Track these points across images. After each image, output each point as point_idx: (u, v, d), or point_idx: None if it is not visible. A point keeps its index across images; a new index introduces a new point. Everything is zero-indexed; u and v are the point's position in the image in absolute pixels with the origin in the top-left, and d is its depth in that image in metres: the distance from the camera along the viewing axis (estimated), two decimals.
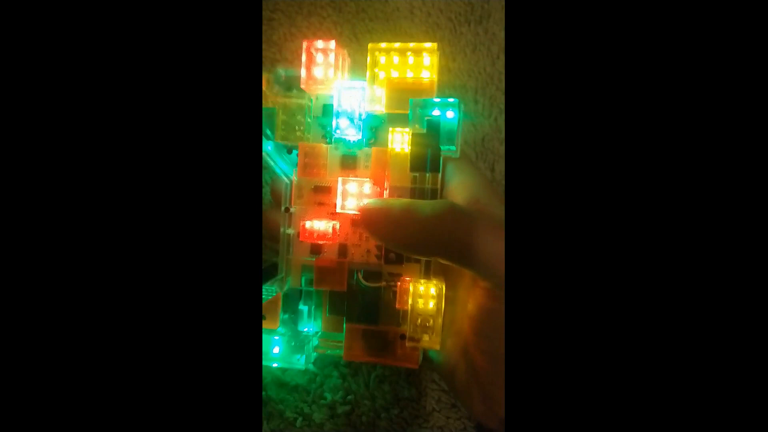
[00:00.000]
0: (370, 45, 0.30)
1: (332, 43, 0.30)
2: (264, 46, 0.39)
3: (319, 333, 0.32)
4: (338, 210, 0.30)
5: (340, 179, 0.30)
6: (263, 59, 0.39)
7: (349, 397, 0.34)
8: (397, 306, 0.30)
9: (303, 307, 0.32)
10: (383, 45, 0.30)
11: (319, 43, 0.30)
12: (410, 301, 0.29)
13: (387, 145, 0.30)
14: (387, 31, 0.40)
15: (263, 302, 0.30)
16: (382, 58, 0.30)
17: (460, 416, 0.34)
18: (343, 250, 0.31)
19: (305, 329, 0.32)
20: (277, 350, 0.31)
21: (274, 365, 0.31)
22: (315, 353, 0.32)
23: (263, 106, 0.31)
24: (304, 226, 0.31)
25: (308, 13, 0.40)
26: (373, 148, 0.30)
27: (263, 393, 0.34)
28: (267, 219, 0.32)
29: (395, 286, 0.30)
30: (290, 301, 0.32)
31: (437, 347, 0.28)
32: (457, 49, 0.40)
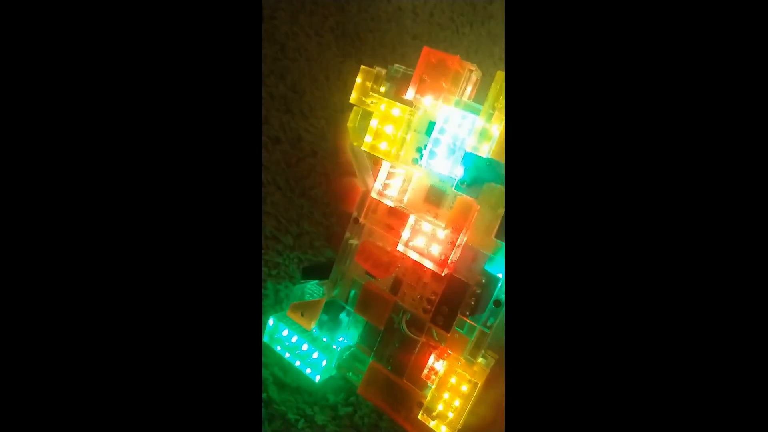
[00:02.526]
0: (499, 73, 0.25)
1: (456, 60, 0.25)
2: (266, 45, 0.39)
3: (353, 348, 0.31)
4: (399, 247, 0.27)
5: (412, 216, 0.26)
6: (265, 57, 0.38)
7: (351, 398, 0.34)
8: (422, 375, 0.27)
9: (343, 317, 0.31)
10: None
11: (439, 55, 0.25)
12: (439, 376, 0.26)
13: (477, 197, 0.26)
14: (390, 31, 0.40)
15: (307, 299, 0.30)
16: None
17: None
18: (396, 285, 0.29)
19: (340, 338, 0.31)
20: (294, 340, 0.30)
21: (296, 363, 0.30)
22: (335, 370, 0.31)
23: (363, 101, 0.27)
24: (364, 248, 0.28)
25: (311, 12, 0.40)
26: (459, 197, 0.26)
27: (265, 394, 0.33)
28: (350, 192, 0.30)
29: (435, 346, 0.27)
30: (333, 308, 0.31)
31: None
32: (460, 50, 0.40)
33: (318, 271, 0.31)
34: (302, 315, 0.30)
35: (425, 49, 0.26)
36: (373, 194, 0.28)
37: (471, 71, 0.26)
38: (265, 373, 0.34)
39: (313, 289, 0.31)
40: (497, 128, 0.25)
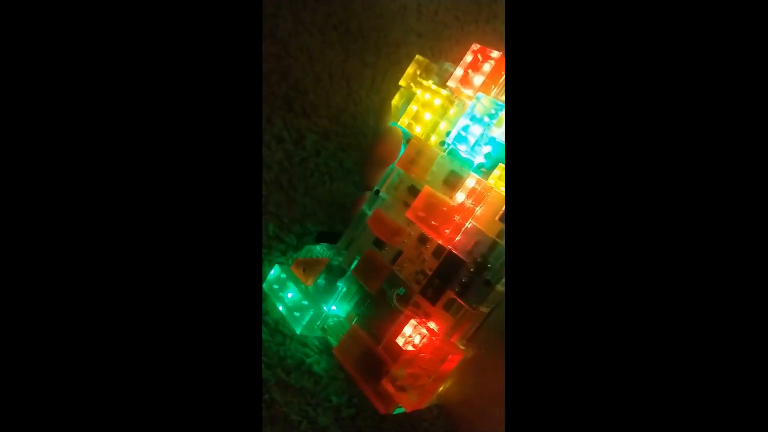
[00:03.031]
0: None
1: (500, 55, 0.27)
2: (268, 42, 0.38)
3: (342, 319, 0.31)
4: (408, 214, 0.28)
5: (426, 190, 0.28)
6: (268, 55, 0.38)
7: (355, 400, 0.34)
8: (394, 339, 0.27)
9: (341, 285, 0.31)
10: None
11: (484, 51, 0.28)
12: (411, 347, 0.26)
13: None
14: (394, 30, 0.39)
15: (312, 257, 0.31)
16: None
17: None
18: (396, 256, 0.30)
19: (333, 307, 0.31)
20: (290, 295, 0.31)
21: (280, 308, 0.31)
22: (319, 332, 0.32)
23: (411, 88, 0.30)
24: (378, 213, 0.30)
25: (313, 9, 0.39)
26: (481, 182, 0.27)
27: (267, 395, 0.33)
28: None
29: (416, 318, 0.27)
30: (334, 273, 0.32)
31: (407, 410, 0.26)
32: (464, 48, 0.39)
33: (331, 237, 0.33)
34: (304, 270, 0.31)
35: (474, 45, 0.28)
36: (398, 165, 0.30)
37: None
38: (268, 374, 0.34)
39: (320, 251, 0.32)
40: None
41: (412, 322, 0.27)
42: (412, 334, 0.27)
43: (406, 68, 0.33)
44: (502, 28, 0.39)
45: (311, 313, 0.31)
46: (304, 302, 0.31)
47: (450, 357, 0.26)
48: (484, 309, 0.26)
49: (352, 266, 0.31)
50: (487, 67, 0.27)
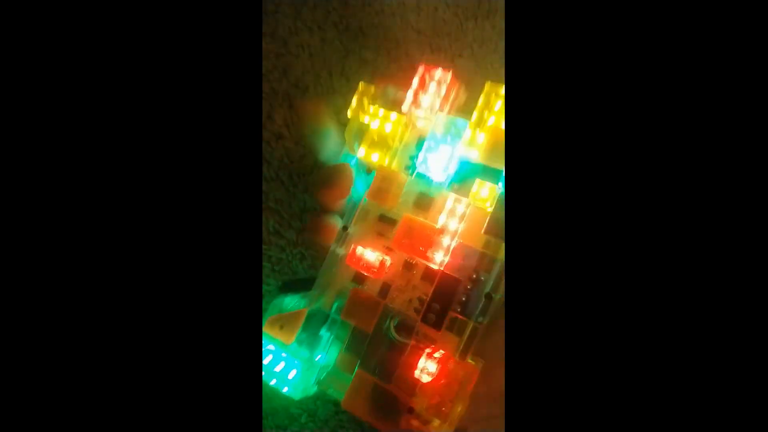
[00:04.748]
0: (487, 84, 0.27)
1: (448, 75, 0.27)
2: (268, 40, 0.39)
3: (329, 368, 0.30)
4: (392, 244, 0.27)
5: (404, 218, 0.28)
6: (268, 53, 0.38)
7: None
8: (413, 375, 0.26)
9: (324, 334, 0.30)
10: (503, 91, 0.26)
11: (437, 73, 0.28)
12: (431, 376, 0.25)
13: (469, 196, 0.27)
14: (393, 26, 0.40)
15: (287, 312, 0.29)
16: (498, 103, 0.26)
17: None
18: (385, 289, 0.29)
19: (317, 357, 0.30)
20: (293, 374, 0.29)
21: (272, 382, 0.29)
22: (315, 387, 0.30)
23: (360, 117, 0.29)
24: (354, 249, 0.28)
25: (313, 6, 0.39)
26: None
27: (267, 389, 0.34)
28: (323, 228, 0.30)
29: (425, 348, 0.27)
30: (314, 322, 0.29)
31: None
32: (464, 45, 0.39)
33: (299, 284, 0.31)
34: (281, 328, 0.29)
35: (421, 64, 0.28)
36: (369, 197, 0.29)
37: (462, 87, 0.28)
38: None
39: (293, 302, 0.30)
40: (484, 136, 0.27)
41: (427, 351, 0.26)
42: (426, 364, 0.26)
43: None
44: (502, 24, 0.39)
45: (306, 372, 0.29)
46: (292, 363, 0.29)
47: (468, 376, 0.26)
48: (488, 321, 0.26)
49: (333, 310, 0.30)
50: (436, 86, 0.27)
